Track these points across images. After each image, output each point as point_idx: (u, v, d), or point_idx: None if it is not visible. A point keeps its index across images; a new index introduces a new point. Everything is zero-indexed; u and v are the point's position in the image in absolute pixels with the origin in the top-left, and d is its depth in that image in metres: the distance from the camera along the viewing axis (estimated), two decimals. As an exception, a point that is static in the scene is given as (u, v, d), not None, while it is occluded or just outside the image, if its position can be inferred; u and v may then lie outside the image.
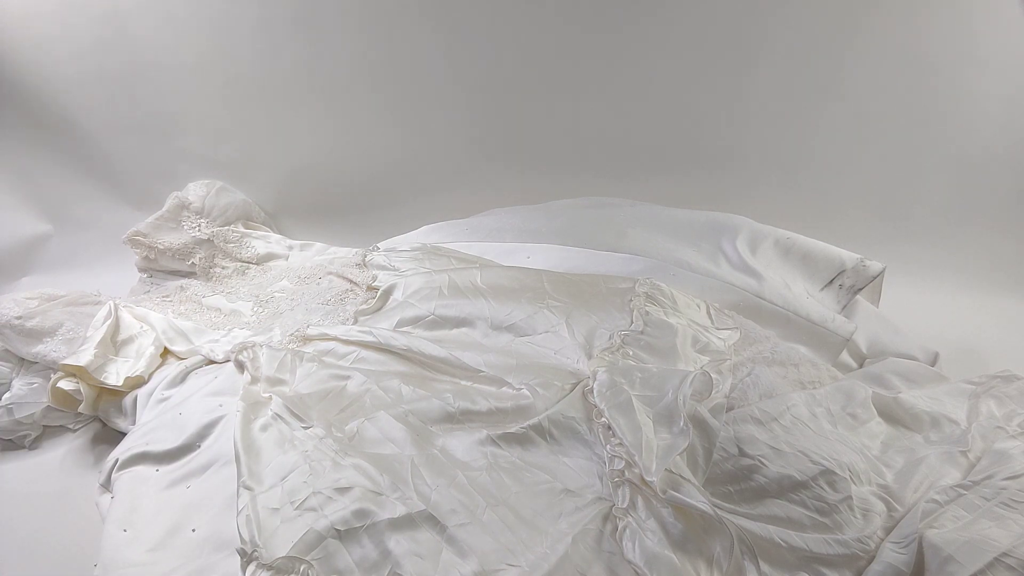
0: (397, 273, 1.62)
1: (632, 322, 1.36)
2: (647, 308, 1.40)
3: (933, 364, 1.44)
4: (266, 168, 2.16)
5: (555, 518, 1.04)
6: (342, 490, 1.03)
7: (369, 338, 1.40)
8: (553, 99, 1.99)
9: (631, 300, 1.41)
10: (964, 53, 1.74)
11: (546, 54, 1.92)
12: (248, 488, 1.05)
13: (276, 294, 1.80)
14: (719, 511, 0.99)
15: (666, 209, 1.76)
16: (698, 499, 0.99)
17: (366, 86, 2.01)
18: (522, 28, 1.89)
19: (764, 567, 0.99)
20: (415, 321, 1.47)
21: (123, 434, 1.42)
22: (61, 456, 1.44)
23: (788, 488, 1.07)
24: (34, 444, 1.47)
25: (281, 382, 1.32)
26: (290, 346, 1.46)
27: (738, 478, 1.09)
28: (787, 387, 1.27)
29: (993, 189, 1.87)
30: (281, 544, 0.96)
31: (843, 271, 1.52)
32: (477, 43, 1.93)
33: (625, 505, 1.03)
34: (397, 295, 1.55)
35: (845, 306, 1.51)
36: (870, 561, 0.99)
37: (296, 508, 1.01)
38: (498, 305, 1.44)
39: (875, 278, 1.51)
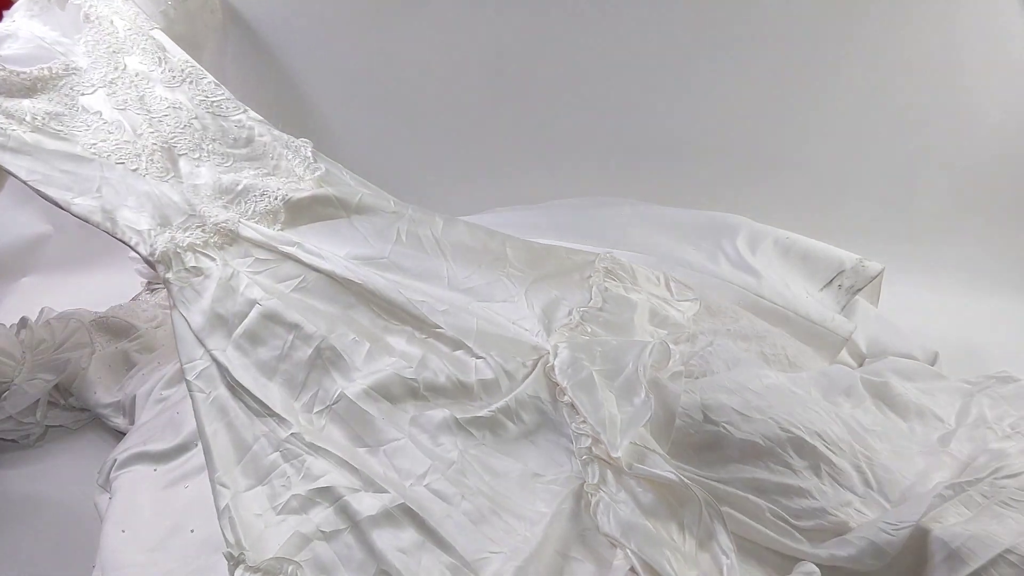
0: (349, 188, 1.44)
1: (591, 298, 1.35)
2: (606, 284, 1.39)
3: (933, 364, 1.44)
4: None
5: (531, 501, 1.06)
6: (322, 491, 1.03)
7: (322, 263, 1.27)
8: (553, 98, 1.99)
9: (590, 276, 1.40)
10: (964, 53, 1.74)
11: (546, 53, 1.92)
12: (224, 486, 1.03)
13: (172, 110, 1.44)
14: (685, 478, 1.01)
15: (666, 209, 1.76)
16: (664, 468, 1.02)
17: (364, 85, 2.01)
18: (522, 27, 1.89)
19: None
20: (368, 260, 1.33)
21: (122, 434, 1.43)
22: (60, 456, 1.44)
23: (754, 455, 1.09)
24: (36, 443, 1.47)
25: (222, 321, 1.19)
26: (212, 239, 1.26)
27: (705, 445, 1.11)
28: (751, 359, 1.28)
29: (993, 189, 1.86)
30: (268, 547, 0.96)
31: (842, 271, 1.52)
32: (476, 42, 1.93)
33: (596, 481, 1.05)
34: (352, 220, 1.39)
35: (844, 306, 1.50)
36: (837, 533, 1.01)
37: (279, 513, 1.01)
38: (457, 266, 1.36)
39: (874, 278, 1.51)
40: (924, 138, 1.86)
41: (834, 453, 1.09)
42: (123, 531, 1.14)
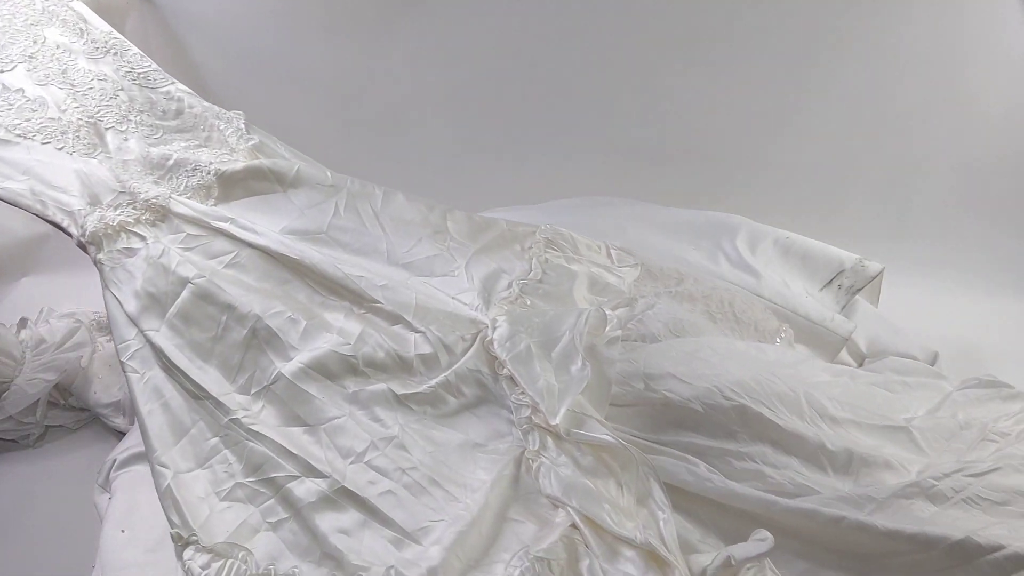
0: (284, 161, 1.41)
1: (531, 269, 1.36)
2: (546, 255, 1.39)
3: (933, 364, 1.44)
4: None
5: (472, 470, 1.08)
6: (266, 481, 1.04)
7: (256, 239, 1.25)
8: (553, 98, 1.99)
9: (531, 247, 1.41)
10: (964, 53, 1.74)
11: (545, 53, 1.92)
12: (164, 466, 1.04)
13: (97, 82, 1.37)
14: (623, 440, 1.05)
15: (665, 208, 1.76)
16: (600, 431, 1.05)
17: (363, 85, 2.01)
18: (521, 27, 1.89)
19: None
20: (304, 235, 1.29)
21: (122, 434, 1.42)
22: (60, 456, 1.44)
23: (693, 421, 1.13)
24: (36, 443, 1.47)
25: (155, 301, 1.17)
26: (143, 216, 1.23)
27: (647, 412, 1.15)
28: (695, 318, 1.30)
29: (993, 189, 1.86)
30: (215, 532, 0.99)
31: (842, 271, 1.52)
32: (475, 42, 1.93)
33: (536, 447, 1.08)
34: (288, 193, 1.35)
35: (844, 306, 1.51)
36: (783, 495, 1.04)
37: (223, 499, 1.03)
38: (397, 240, 1.35)
39: (874, 278, 1.51)
40: (924, 138, 1.87)
41: (782, 419, 1.11)
42: (123, 531, 1.14)
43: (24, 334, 1.57)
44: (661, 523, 0.99)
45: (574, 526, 0.99)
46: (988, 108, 1.79)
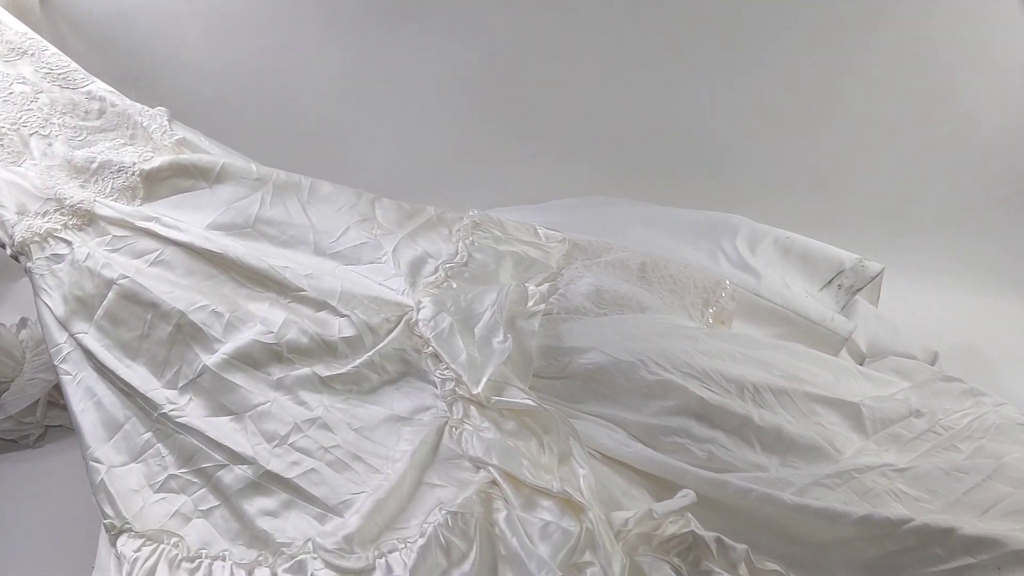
0: (209, 156, 1.41)
1: (457, 253, 1.38)
2: (473, 237, 1.41)
3: (933, 364, 1.44)
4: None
5: (396, 442, 1.12)
6: (197, 472, 1.08)
7: (180, 236, 1.27)
8: (553, 98, 1.99)
9: (458, 231, 1.43)
10: (964, 53, 1.74)
11: (546, 53, 1.92)
12: (98, 462, 1.09)
13: (17, 86, 1.35)
14: (544, 404, 1.09)
15: (665, 208, 1.76)
16: (521, 397, 1.10)
17: (364, 85, 2.01)
18: (522, 27, 1.89)
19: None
20: (230, 229, 1.33)
21: (122, 434, 1.42)
22: (60, 457, 1.44)
23: (614, 394, 1.17)
24: (36, 443, 1.47)
25: (82, 304, 1.20)
26: (70, 222, 1.25)
27: (571, 384, 1.19)
28: (625, 287, 1.33)
29: (993, 189, 1.86)
30: (148, 522, 1.03)
31: (842, 271, 1.52)
32: (476, 42, 1.93)
33: (460, 416, 1.12)
34: (214, 188, 1.37)
35: (844, 306, 1.50)
36: (715, 470, 1.06)
37: (157, 491, 1.07)
38: (323, 230, 1.38)
39: (874, 278, 1.51)
40: (924, 138, 1.87)
41: (715, 393, 1.14)
42: (122, 531, 1.14)
43: (24, 334, 1.57)
44: (581, 478, 1.02)
45: (494, 483, 1.02)
46: (988, 109, 1.79)
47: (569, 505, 0.97)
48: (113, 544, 1.00)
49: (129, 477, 1.08)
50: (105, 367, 1.15)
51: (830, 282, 1.53)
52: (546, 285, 1.34)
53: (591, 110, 1.99)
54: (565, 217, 1.75)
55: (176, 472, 1.09)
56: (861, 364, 1.45)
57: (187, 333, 1.19)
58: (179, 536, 1.02)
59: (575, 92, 1.97)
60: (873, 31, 1.77)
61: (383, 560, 0.97)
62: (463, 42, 1.93)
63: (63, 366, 1.17)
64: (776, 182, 1.99)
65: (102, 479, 1.06)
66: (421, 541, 0.96)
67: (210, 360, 1.16)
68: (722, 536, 0.98)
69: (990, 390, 1.29)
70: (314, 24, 1.93)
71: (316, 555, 0.97)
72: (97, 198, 1.29)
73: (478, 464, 1.06)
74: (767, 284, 1.48)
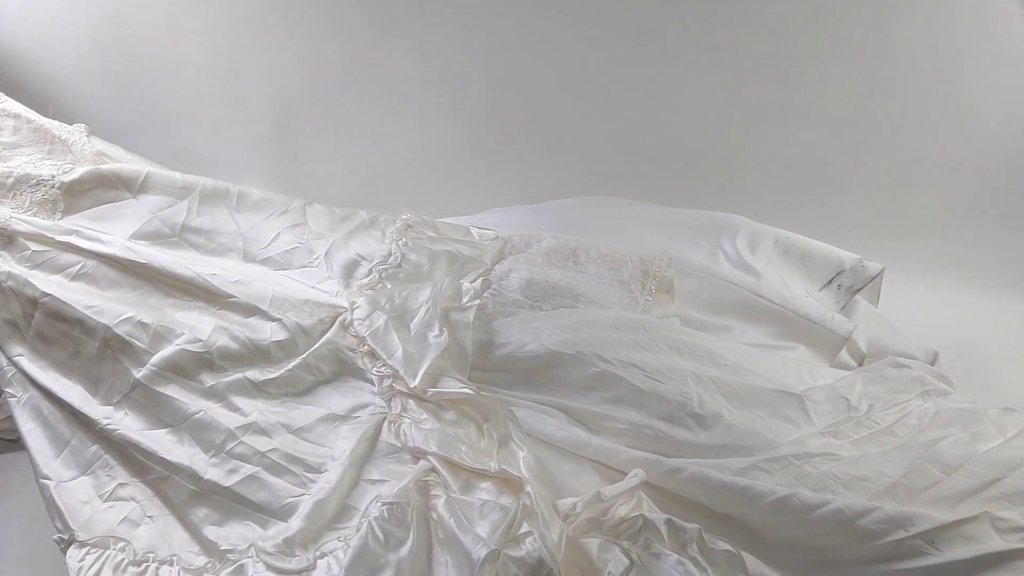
0: (131, 168, 1.39)
1: (391, 254, 1.38)
2: (406, 238, 1.42)
3: (932, 363, 1.44)
4: (265, 168, 2.16)
5: (334, 441, 1.12)
6: (145, 481, 1.09)
7: (102, 248, 1.26)
8: (553, 98, 1.99)
9: (392, 233, 1.43)
10: (963, 52, 1.74)
11: (547, 54, 1.92)
12: (47, 478, 1.09)
13: None
14: (482, 392, 1.11)
15: (665, 208, 1.76)
16: (458, 387, 1.12)
17: (365, 85, 2.01)
18: (523, 28, 1.89)
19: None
20: (155, 239, 1.31)
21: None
22: (60, 456, 1.43)
23: (555, 386, 1.18)
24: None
25: (13, 327, 1.20)
26: None
27: (512, 377, 1.20)
28: (558, 276, 1.34)
29: (993, 189, 1.86)
30: (96, 529, 1.03)
31: (842, 271, 1.52)
32: (476, 43, 1.93)
33: (399, 411, 1.13)
34: (139, 198, 1.35)
35: (844, 306, 1.50)
36: (671, 448, 1.08)
37: (106, 500, 1.07)
38: (253, 237, 1.37)
39: (874, 278, 1.51)
40: (923, 138, 1.87)
41: (658, 382, 1.15)
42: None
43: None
44: (520, 459, 1.04)
45: (432, 470, 1.03)
46: (988, 108, 1.79)
47: (508, 484, 0.99)
48: (64, 554, 1.01)
49: (78, 490, 1.08)
50: (43, 387, 1.16)
51: (830, 282, 1.53)
52: (480, 281, 1.36)
53: (592, 110, 1.99)
54: (565, 217, 1.75)
55: (125, 481, 1.10)
56: (861, 364, 1.45)
57: (115, 347, 1.18)
58: (126, 540, 1.03)
59: (575, 93, 1.97)
60: (873, 31, 1.77)
61: (324, 560, 0.98)
62: (463, 43, 1.93)
63: (8, 389, 1.17)
64: (776, 182, 1.99)
65: (51, 494, 1.07)
66: (357, 536, 0.97)
67: (140, 373, 1.15)
68: (673, 518, 0.98)
69: (980, 387, 1.30)
70: (311, 24, 1.93)
71: (257, 558, 0.98)
72: (13, 214, 1.27)
73: (417, 455, 1.07)
74: (767, 284, 1.48)
